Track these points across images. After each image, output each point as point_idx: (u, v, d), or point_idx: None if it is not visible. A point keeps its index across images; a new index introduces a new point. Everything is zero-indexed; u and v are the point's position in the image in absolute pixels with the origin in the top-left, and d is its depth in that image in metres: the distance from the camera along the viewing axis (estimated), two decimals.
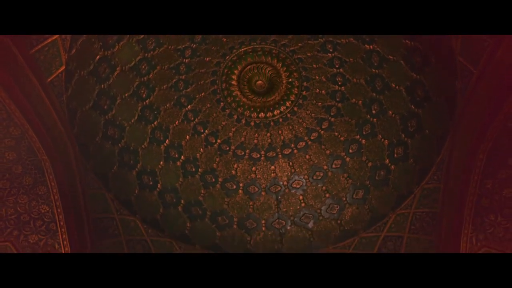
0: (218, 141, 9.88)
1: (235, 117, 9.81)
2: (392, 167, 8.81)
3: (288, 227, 9.88)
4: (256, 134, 10.00)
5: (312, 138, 9.75)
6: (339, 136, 9.53)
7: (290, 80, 9.46)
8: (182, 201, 9.55)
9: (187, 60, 8.90)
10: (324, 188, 9.70)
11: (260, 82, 9.51)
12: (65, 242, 7.63)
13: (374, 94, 8.80)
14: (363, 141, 9.19)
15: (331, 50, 8.79)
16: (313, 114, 9.64)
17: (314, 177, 9.82)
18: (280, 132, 9.96)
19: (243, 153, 10.00)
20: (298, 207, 9.88)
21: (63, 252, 7.67)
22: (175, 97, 9.22)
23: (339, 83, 9.20)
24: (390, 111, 8.67)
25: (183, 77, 9.12)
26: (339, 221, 9.47)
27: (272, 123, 9.89)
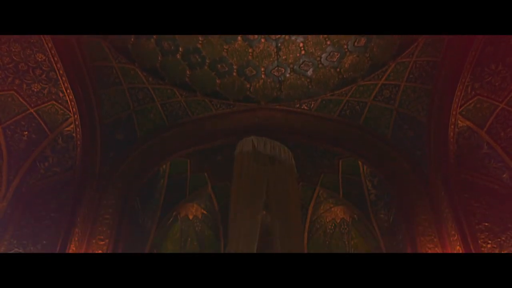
0: None
1: None
2: None
3: (287, 75, 9.92)
4: None
5: None
6: None
7: None
8: (180, 49, 9.33)
9: None
10: (325, 35, 9.34)
11: None
12: (68, 91, 7.81)
13: None
14: None
15: None
16: None
17: None
18: None
19: None
20: (298, 54, 9.71)
21: (67, 99, 7.92)
22: None
23: None
24: None
25: None
26: (338, 69, 9.45)
27: None
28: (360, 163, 10.15)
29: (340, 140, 9.86)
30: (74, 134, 8.25)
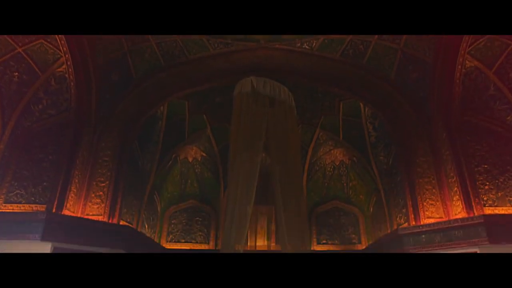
0: None
1: None
2: None
3: None
4: None
5: None
6: None
7: None
8: None
9: None
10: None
11: None
12: None
13: None
14: None
15: None
16: None
17: None
18: None
19: None
20: None
21: (56, 38, 7.52)
22: None
23: None
24: None
25: None
26: None
27: None
28: (361, 104, 9.95)
29: (342, 80, 9.57)
30: (66, 75, 7.96)
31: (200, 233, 11.55)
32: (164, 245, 11.14)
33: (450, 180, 7.92)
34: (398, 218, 9.04)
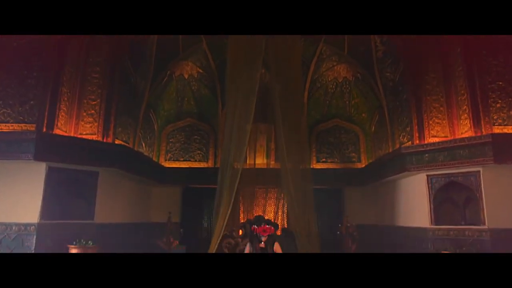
0: None
1: None
2: None
3: None
4: None
5: None
6: None
7: None
8: None
9: None
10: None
11: None
12: None
13: None
14: None
15: None
16: None
17: None
18: None
19: None
20: None
21: None
22: None
23: None
24: None
25: None
26: None
27: None
28: None
29: None
30: None
31: (199, 152, 11.46)
32: (163, 164, 11.11)
33: (460, 98, 7.51)
34: (401, 137, 8.80)
